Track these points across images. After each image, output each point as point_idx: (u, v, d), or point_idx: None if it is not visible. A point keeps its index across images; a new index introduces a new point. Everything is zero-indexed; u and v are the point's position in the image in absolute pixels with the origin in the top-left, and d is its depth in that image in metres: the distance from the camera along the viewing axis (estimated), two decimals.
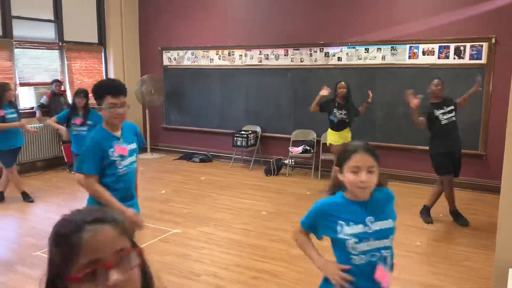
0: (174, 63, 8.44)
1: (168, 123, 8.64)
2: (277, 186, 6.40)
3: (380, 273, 1.73)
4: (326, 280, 1.86)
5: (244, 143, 7.35)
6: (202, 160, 8.01)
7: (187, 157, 8.19)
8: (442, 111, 4.68)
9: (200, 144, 8.32)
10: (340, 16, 6.76)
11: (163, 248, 4.07)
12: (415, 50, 6.30)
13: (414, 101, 4.52)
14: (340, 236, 1.76)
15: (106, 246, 0.83)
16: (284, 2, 7.20)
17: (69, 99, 7.52)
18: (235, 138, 7.42)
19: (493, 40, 5.77)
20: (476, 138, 6.01)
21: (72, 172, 7.00)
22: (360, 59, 6.68)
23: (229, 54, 7.81)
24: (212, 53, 7.98)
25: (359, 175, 1.72)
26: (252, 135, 7.44)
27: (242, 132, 7.46)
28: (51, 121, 5.45)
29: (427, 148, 4.95)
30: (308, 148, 6.96)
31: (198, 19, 8.03)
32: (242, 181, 6.71)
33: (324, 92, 5.53)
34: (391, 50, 6.45)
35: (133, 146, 2.74)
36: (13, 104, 5.43)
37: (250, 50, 7.58)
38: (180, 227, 4.56)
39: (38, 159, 7.19)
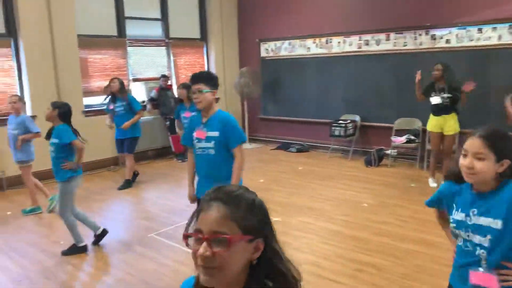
0: (271, 54, 8.52)
1: (265, 113, 8.77)
2: (379, 178, 6.16)
3: (475, 278, 1.66)
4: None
5: (342, 133, 7.19)
6: (299, 150, 8.01)
7: (284, 147, 8.25)
8: None
9: (296, 134, 8.32)
10: None
11: None
12: None
13: None
14: (451, 217, 1.78)
15: (208, 222, 0.95)
16: None
17: (175, 93, 8.02)
18: (333, 128, 7.29)
19: None
20: None
21: (179, 160, 7.48)
22: (471, 40, 6.12)
23: (326, 42, 7.67)
24: (309, 42, 7.90)
25: (465, 159, 1.65)
26: (351, 125, 7.24)
27: (340, 122, 7.29)
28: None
29: None
30: (413, 137, 6.59)
31: (295, 8, 8.00)
32: (341, 171, 6.57)
33: (418, 76, 5.40)
34: (509, 29, 5.80)
35: (215, 134, 2.90)
36: (122, 98, 5.95)
37: (349, 37, 7.36)
38: (279, 216, 4.60)
39: (149, 149, 7.76)
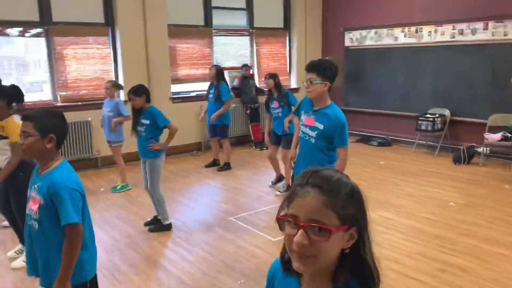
0: (355, 43, 8.29)
1: (347, 105, 8.56)
2: (468, 176, 5.77)
3: None
4: None
5: (429, 127, 6.81)
6: (380, 144, 7.74)
7: (365, 140, 8.02)
8: None
9: (379, 127, 8.04)
10: None
11: None
12: None
13: None
14: None
15: (305, 209, 0.92)
16: None
17: (257, 83, 8.13)
18: (419, 122, 6.93)
19: None
20: None
21: (257, 149, 7.60)
22: None
23: (416, 31, 7.28)
24: (397, 31, 7.56)
25: None
26: (439, 119, 6.84)
27: (428, 115, 6.91)
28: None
29: None
30: (509, 135, 6.06)
31: None
32: (426, 168, 6.24)
33: None
34: None
35: (320, 126, 2.86)
36: (216, 85, 6.23)
37: (442, 26, 6.91)
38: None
39: (230, 136, 7.94)
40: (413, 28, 7.32)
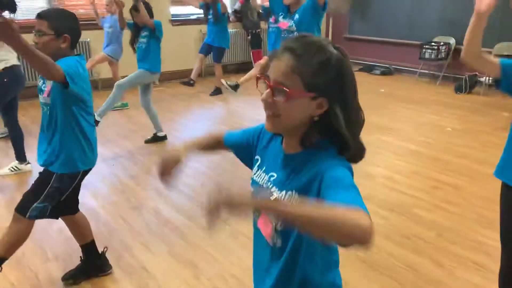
0: None
1: (352, 32, 8.35)
2: (469, 105, 5.76)
3: None
4: None
5: (433, 56, 6.70)
6: (383, 73, 7.65)
7: (368, 69, 7.91)
8: None
9: (382, 55, 7.89)
10: None
11: None
12: None
13: None
14: None
15: (275, 71, 0.97)
16: None
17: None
18: (423, 50, 6.80)
19: None
20: None
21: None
22: None
23: None
24: None
25: None
26: (444, 47, 6.70)
27: (433, 43, 6.76)
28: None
29: None
30: None
31: None
32: (427, 96, 6.22)
33: None
34: None
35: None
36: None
37: None
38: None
39: (230, 63, 7.85)
40: None
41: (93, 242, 2.32)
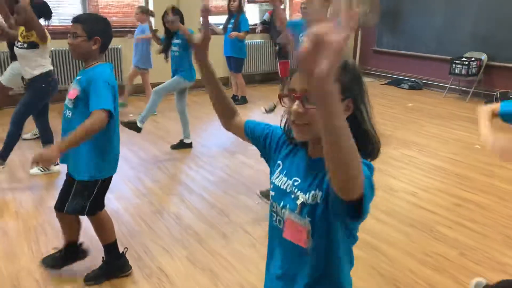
0: None
1: (380, 45, 8.30)
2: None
3: None
4: None
5: (463, 71, 6.57)
6: (411, 87, 7.56)
7: (396, 82, 7.84)
8: None
9: (411, 70, 7.80)
10: None
11: None
12: None
13: None
14: None
15: (300, 81, 0.99)
16: None
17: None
18: (454, 65, 6.68)
19: None
20: None
21: None
22: None
23: None
24: None
25: None
26: (474, 63, 6.57)
27: (463, 59, 6.64)
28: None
29: None
30: None
31: None
32: (456, 112, 6.10)
33: None
34: None
35: None
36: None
37: None
38: (382, 147, 4.49)
39: (256, 73, 7.92)
40: None
41: (115, 242, 2.38)
